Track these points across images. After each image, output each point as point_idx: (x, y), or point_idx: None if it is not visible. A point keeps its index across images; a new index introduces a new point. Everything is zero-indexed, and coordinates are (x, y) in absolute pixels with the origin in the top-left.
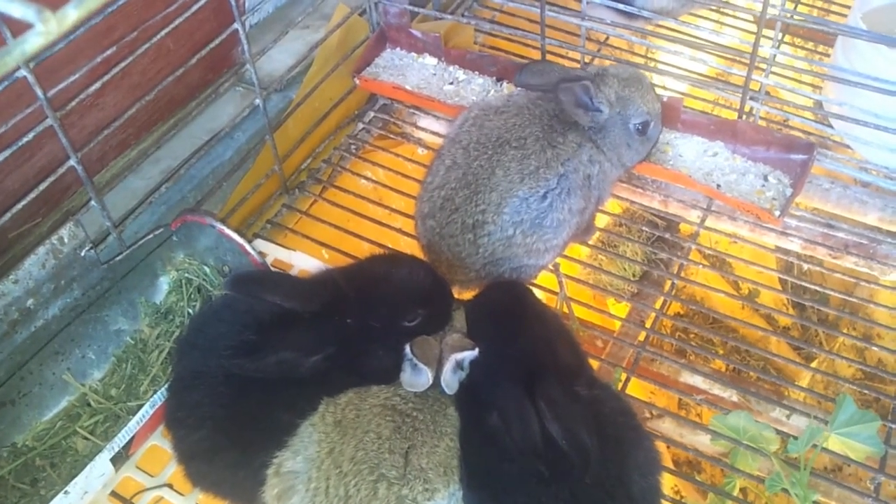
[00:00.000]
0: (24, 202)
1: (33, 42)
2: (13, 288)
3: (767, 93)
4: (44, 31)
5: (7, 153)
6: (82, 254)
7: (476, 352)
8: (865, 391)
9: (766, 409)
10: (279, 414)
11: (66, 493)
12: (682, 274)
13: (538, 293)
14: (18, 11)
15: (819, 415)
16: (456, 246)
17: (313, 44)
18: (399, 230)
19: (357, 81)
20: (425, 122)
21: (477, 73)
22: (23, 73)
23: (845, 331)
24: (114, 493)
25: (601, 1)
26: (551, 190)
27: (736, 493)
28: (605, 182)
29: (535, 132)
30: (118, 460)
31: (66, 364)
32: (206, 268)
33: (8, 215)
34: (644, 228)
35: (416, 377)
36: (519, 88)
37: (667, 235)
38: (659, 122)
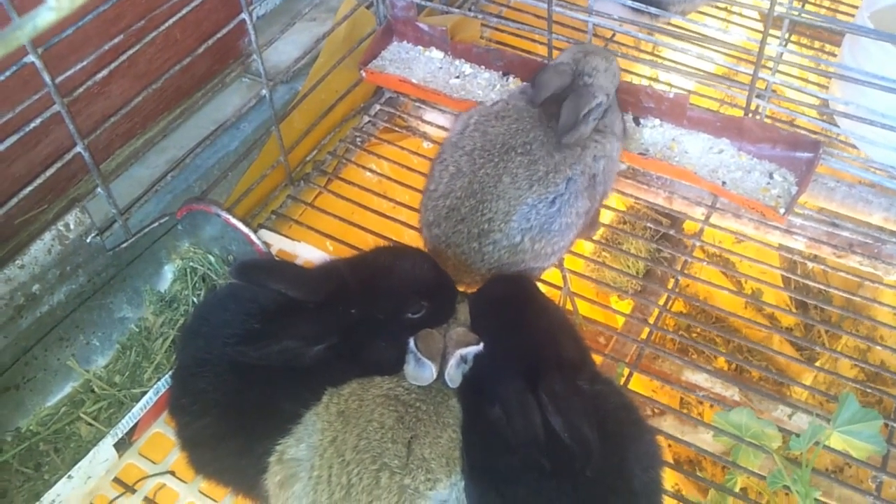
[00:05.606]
0: (30, 188)
1: (45, 17)
2: (19, 273)
3: (774, 91)
4: (56, 7)
5: (14, 139)
6: (88, 240)
7: (480, 346)
8: (868, 391)
9: (768, 407)
10: (283, 403)
11: (69, 477)
12: (686, 271)
13: (542, 288)
14: None
15: (821, 414)
16: (462, 254)
17: (320, 36)
18: (403, 223)
19: (363, 74)
20: (431, 115)
21: (483, 67)
22: (31, 58)
23: (849, 330)
24: (117, 480)
25: None
26: (560, 195)
27: (737, 490)
28: (610, 174)
29: (538, 136)
30: (121, 447)
31: (71, 350)
32: (210, 257)
33: (14, 201)
34: (648, 225)
35: (419, 371)
36: (516, 90)
37: (671, 232)
38: None
